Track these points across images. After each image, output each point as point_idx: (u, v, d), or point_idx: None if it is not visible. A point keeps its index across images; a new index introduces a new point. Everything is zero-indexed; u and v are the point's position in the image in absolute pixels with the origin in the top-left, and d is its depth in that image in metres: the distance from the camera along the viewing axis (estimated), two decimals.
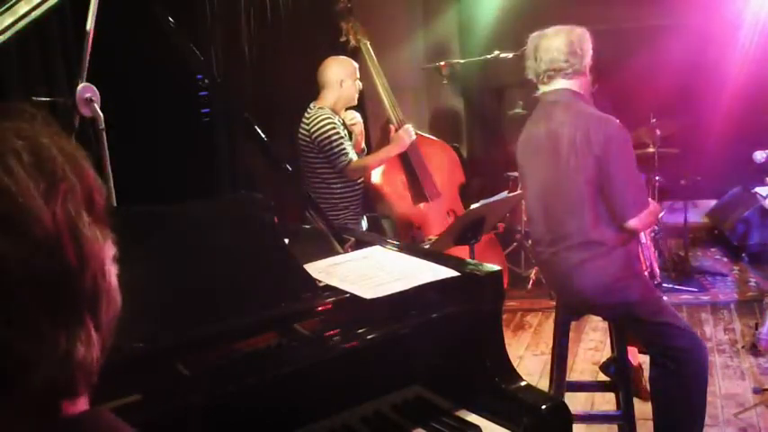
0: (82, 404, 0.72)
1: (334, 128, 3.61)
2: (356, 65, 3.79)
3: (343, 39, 3.97)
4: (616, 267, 2.60)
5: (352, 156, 3.66)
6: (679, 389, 2.60)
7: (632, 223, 2.56)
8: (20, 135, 0.65)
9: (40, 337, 0.63)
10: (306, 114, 3.70)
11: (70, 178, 0.66)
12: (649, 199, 2.69)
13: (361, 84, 3.80)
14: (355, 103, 3.81)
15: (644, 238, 2.91)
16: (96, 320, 0.68)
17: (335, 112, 3.71)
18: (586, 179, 2.55)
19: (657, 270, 3.26)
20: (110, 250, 0.71)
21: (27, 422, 0.66)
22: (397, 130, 3.90)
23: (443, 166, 4.13)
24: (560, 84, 2.66)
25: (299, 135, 3.71)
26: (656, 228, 5.26)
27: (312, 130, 3.61)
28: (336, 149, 3.60)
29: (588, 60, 2.67)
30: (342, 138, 3.63)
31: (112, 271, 0.71)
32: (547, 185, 2.68)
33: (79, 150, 0.70)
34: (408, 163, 3.98)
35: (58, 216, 0.64)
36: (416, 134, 4.04)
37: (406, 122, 3.97)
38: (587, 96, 2.70)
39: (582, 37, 2.65)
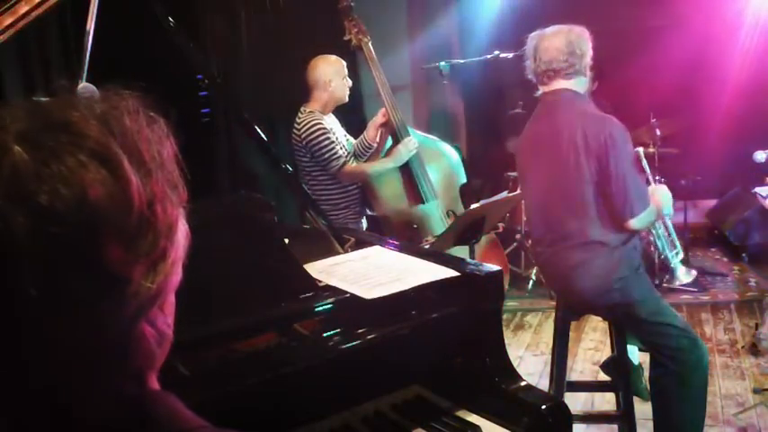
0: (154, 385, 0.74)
1: (323, 132, 3.58)
2: (344, 62, 3.74)
3: (346, 37, 3.96)
4: (616, 267, 2.59)
5: (345, 158, 3.64)
6: (679, 389, 2.60)
7: (633, 223, 2.56)
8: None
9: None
10: (297, 119, 3.68)
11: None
12: (656, 186, 2.69)
13: (350, 81, 3.76)
14: (346, 100, 3.77)
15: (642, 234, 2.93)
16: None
17: (326, 113, 3.69)
18: (587, 179, 2.54)
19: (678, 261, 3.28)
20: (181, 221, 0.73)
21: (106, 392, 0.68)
22: (388, 120, 3.84)
23: (443, 167, 4.11)
24: (560, 84, 2.65)
25: (292, 139, 3.70)
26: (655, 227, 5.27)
27: (303, 136, 3.60)
28: (327, 155, 3.58)
29: (588, 60, 2.66)
30: (332, 142, 3.60)
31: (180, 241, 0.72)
32: (547, 186, 2.68)
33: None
34: (406, 163, 3.96)
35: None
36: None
37: (405, 126, 3.92)
38: (587, 96, 2.70)
39: (581, 36, 2.65)
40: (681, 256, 3.21)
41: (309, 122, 3.60)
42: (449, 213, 4.00)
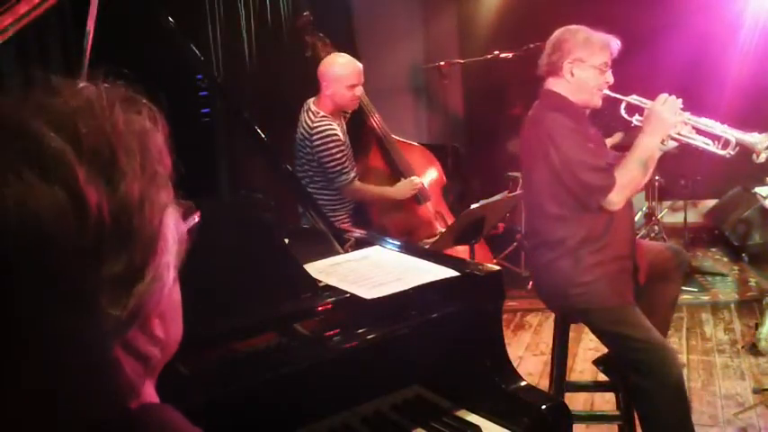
0: (149, 397, 0.67)
1: (338, 145, 3.47)
2: (353, 68, 3.57)
3: (308, 53, 3.90)
4: (579, 272, 2.57)
5: (354, 176, 3.60)
6: (654, 402, 2.51)
7: (608, 205, 2.52)
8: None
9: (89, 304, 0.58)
10: (308, 119, 3.54)
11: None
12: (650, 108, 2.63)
13: (360, 90, 3.60)
14: (348, 109, 3.68)
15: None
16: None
17: (335, 115, 3.58)
18: (538, 179, 2.61)
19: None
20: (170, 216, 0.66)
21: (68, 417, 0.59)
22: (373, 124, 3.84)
23: (426, 171, 4.13)
24: (547, 84, 2.70)
25: (298, 136, 3.58)
26: (656, 228, 5.27)
27: (315, 141, 3.47)
28: (338, 168, 3.50)
29: (568, 59, 2.59)
30: (345, 157, 3.52)
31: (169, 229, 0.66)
32: (524, 185, 2.83)
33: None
34: (396, 169, 3.96)
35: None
36: (397, 140, 4.02)
37: (390, 135, 3.95)
38: (574, 97, 2.64)
39: (567, 36, 2.62)
40: (733, 142, 2.83)
41: (325, 130, 3.48)
42: (436, 216, 4.02)
